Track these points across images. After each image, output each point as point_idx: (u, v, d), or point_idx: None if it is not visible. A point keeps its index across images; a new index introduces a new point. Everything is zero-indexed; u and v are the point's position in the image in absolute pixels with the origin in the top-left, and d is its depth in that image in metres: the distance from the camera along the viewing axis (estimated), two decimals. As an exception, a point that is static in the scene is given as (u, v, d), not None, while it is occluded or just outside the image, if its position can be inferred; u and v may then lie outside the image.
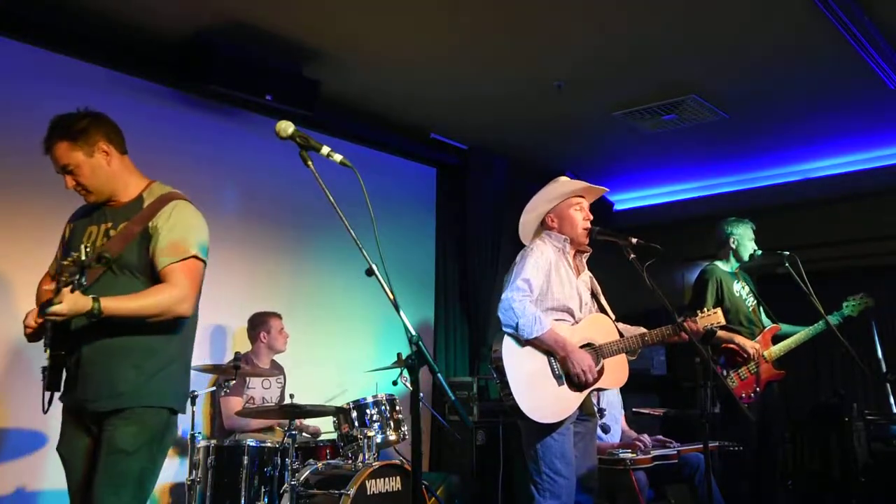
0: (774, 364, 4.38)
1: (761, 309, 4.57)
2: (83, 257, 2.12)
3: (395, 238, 5.58)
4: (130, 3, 3.98)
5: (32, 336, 2.41)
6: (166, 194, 2.52)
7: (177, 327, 2.48)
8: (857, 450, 4.95)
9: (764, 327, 4.47)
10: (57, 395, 2.44)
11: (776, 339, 4.46)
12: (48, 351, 2.35)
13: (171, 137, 4.58)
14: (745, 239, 4.50)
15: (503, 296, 3.05)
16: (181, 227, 2.45)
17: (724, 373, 4.27)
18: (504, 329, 3.03)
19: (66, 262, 2.14)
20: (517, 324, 2.97)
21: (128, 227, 2.42)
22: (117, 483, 2.31)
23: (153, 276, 2.43)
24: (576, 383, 3.03)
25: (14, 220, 3.90)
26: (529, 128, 5.79)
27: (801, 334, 4.41)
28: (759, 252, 4.52)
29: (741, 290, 4.50)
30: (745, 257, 4.51)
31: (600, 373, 3.09)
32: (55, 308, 2.11)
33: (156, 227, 2.42)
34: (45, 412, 2.40)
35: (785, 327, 4.50)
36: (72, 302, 2.14)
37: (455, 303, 6.22)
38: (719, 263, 4.55)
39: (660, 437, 4.41)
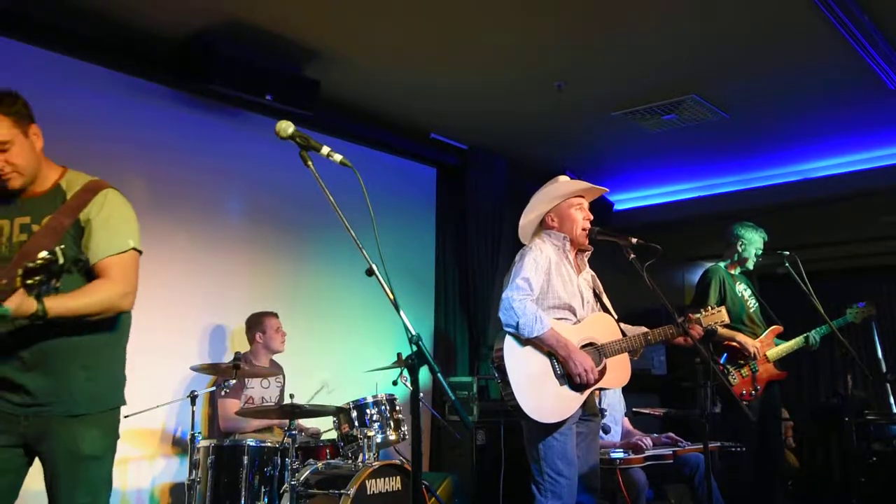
0: (776, 364, 4.40)
1: (762, 311, 4.58)
2: (60, 260, 1.90)
3: (395, 238, 5.58)
4: (131, 4, 3.98)
5: None
6: (91, 183, 2.33)
7: (117, 322, 2.37)
8: (857, 450, 4.95)
9: (766, 328, 4.48)
10: None
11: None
12: None
13: (172, 137, 4.58)
14: (751, 246, 4.51)
15: (503, 295, 3.04)
16: (116, 219, 2.30)
17: (725, 370, 4.28)
18: (505, 328, 3.02)
19: (34, 264, 1.89)
20: (518, 323, 2.96)
21: (55, 219, 2.24)
22: (94, 491, 2.26)
23: (87, 270, 2.28)
24: (577, 384, 3.03)
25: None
26: (529, 128, 5.79)
27: (801, 338, 4.44)
28: (759, 252, 4.54)
29: (744, 291, 4.51)
30: (749, 265, 4.53)
31: (602, 372, 3.09)
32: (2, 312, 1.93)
33: (88, 219, 2.26)
34: None
35: (778, 342, 4.53)
36: (17, 304, 1.96)
37: (455, 303, 6.22)
38: (723, 264, 4.57)
39: (671, 434, 4.42)
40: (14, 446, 2.25)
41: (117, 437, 2.38)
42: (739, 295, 4.47)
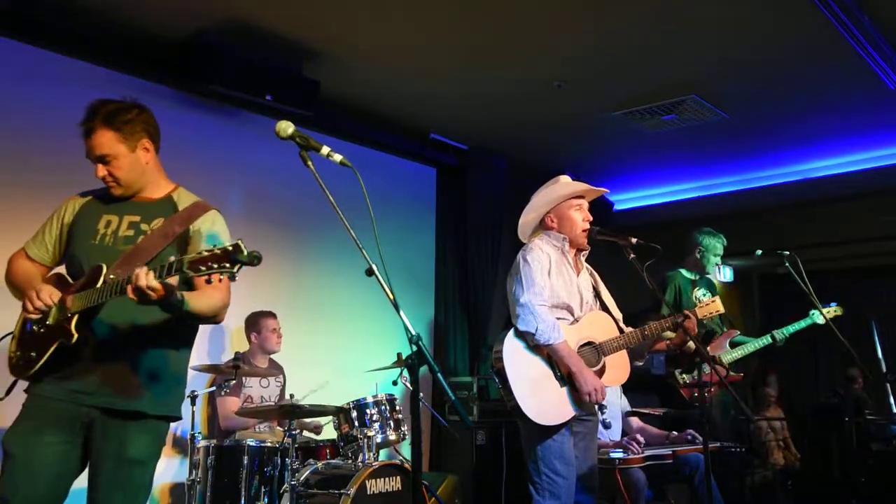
0: (730, 367, 4.46)
1: (719, 316, 4.62)
2: (244, 252, 2.01)
3: (395, 238, 5.57)
4: (131, 4, 3.98)
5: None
6: (201, 201, 2.51)
7: (194, 335, 2.47)
8: (857, 450, 4.96)
9: (722, 332, 4.56)
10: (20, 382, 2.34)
11: (733, 344, 4.56)
12: (76, 336, 2.19)
13: (171, 138, 4.49)
14: (710, 253, 4.66)
15: (522, 300, 3.01)
16: (223, 237, 2.46)
17: (681, 375, 4.39)
18: (520, 330, 3.01)
19: (205, 253, 2.00)
20: (537, 328, 2.96)
21: (167, 225, 2.37)
22: (132, 496, 2.28)
23: (183, 279, 2.34)
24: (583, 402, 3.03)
25: (12, 221, 3.89)
26: (529, 128, 5.79)
27: (766, 337, 4.50)
28: (759, 252, 4.55)
29: (702, 296, 4.58)
30: (709, 269, 4.66)
31: (602, 371, 3.09)
32: (152, 284, 2.00)
33: (198, 231, 2.40)
34: (2, 398, 2.33)
35: (740, 338, 4.58)
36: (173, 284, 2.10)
37: (455, 303, 6.22)
38: (683, 271, 4.70)
39: (691, 431, 4.45)
40: (75, 439, 2.27)
41: (163, 444, 2.41)
42: (695, 301, 4.53)
